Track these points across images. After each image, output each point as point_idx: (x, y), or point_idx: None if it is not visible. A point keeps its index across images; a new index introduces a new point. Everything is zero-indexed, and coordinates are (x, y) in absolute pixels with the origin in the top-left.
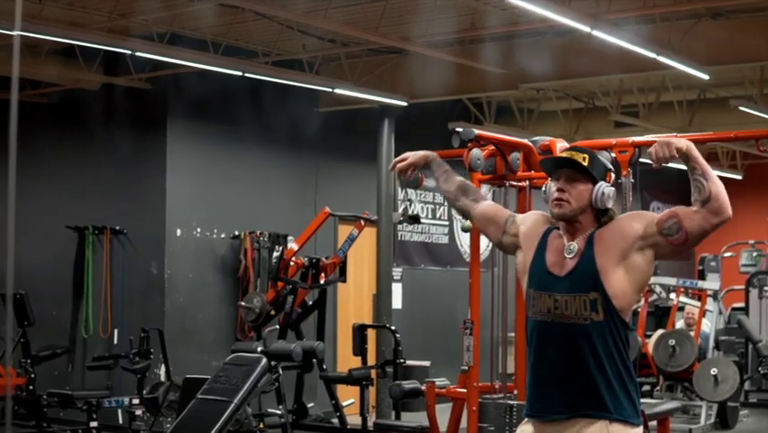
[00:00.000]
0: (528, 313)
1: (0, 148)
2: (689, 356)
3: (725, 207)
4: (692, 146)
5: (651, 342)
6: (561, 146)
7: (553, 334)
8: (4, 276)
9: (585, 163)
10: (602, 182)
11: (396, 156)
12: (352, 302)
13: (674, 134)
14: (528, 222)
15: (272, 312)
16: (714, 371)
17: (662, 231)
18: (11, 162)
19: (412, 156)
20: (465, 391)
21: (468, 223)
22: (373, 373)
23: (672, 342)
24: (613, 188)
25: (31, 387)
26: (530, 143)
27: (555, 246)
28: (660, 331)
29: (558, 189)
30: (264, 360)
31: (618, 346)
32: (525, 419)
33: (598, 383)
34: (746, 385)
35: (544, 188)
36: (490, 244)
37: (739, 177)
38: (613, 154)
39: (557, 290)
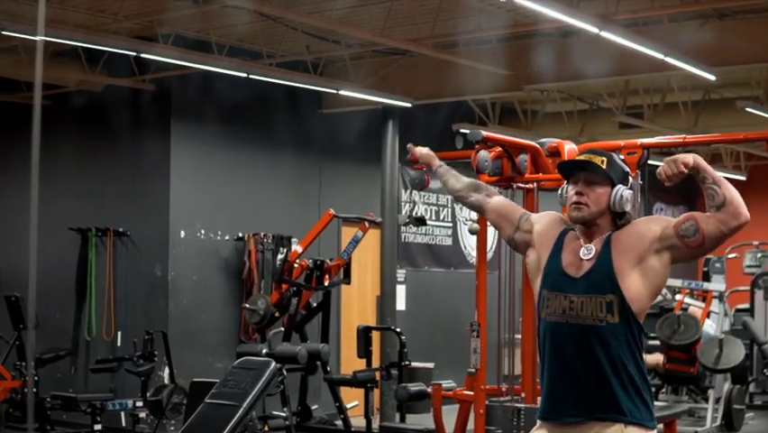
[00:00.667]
0: (541, 314)
1: (3, 150)
2: (693, 333)
3: (741, 210)
4: (699, 159)
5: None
6: (569, 148)
7: (568, 335)
8: (8, 277)
9: (604, 166)
10: (620, 185)
11: (400, 159)
12: (356, 304)
13: (682, 136)
14: (543, 221)
15: (276, 314)
16: (721, 336)
17: (678, 233)
18: (33, 169)
19: (426, 153)
20: (472, 393)
21: (475, 225)
22: (377, 375)
23: (677, 318)
24: (631, 192)
25: (34, 390)
26: (537, 145)
27: (572, 248)
28: None
29: (576, 193)
30: (273, 364)
31: (633, 349)
32: (539, 423)
33: (613, 386)
34: (751, 387)
35: (560, 192)
36: (494, 246)
37: (743, 178)
38: (622, 156)
39: (573, 291)
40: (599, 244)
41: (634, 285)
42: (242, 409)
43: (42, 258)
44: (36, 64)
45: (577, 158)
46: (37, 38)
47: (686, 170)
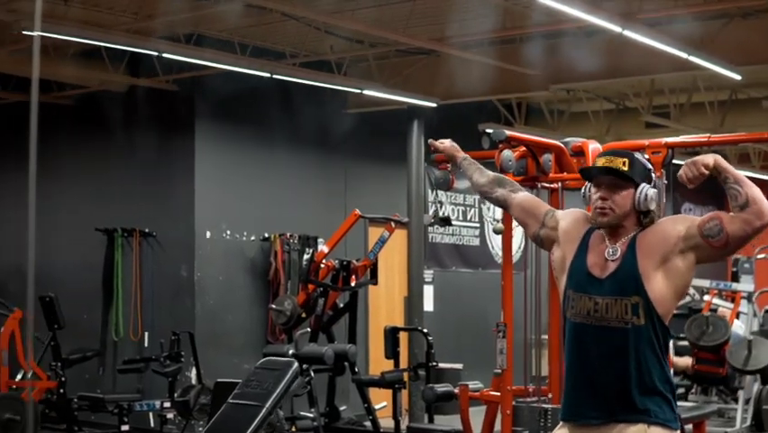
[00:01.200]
0: (566, 314)
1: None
2: (721, 334)
3: (765, 210)
4: (719, 158)
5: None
6: (593, 147)
7: (592, 336)
8: (41, 278)
9: (625, 168)
10: (644, 184)
11: (426, 159)
12: (384, 305)
13: (707, 135)
14: (569, 219)
15: (303, 315)
16: (750, 337)
17: (703, 233)
18: (31, 164)
19: (449, 145)
20: (499, 394)
21: (500, 225)
22: (405, 375)
23: (705, 318)
24: (655, 190)
25: (61, 390)
26: (562, 145)
27: (597, 248)
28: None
29: (600, 198)
30: (296, 364)
31: (658, 352)
32: (561, 423)
33: (638, 388)
34: None
35: (583, 191)
36: (522, 247)
37: None
38: (646, 156)
39: (597, 293)
40: (625, 245)
41: (658, 286)
42: (264, 409)
43: (69, 258)
44: (33, 59)
45: (598, 163)
46: (34, 33)
47: (706, 172)
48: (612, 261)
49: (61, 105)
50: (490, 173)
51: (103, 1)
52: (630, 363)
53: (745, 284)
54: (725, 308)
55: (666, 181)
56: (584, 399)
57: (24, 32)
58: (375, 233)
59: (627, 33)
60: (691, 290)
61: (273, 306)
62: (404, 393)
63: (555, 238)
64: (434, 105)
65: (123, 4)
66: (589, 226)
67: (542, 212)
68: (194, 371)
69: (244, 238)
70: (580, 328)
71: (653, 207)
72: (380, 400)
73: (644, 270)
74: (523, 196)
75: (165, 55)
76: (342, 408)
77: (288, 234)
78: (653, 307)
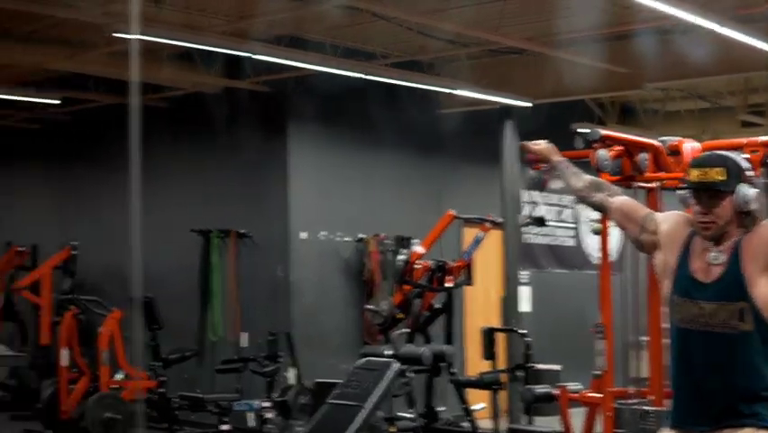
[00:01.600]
0: (672, 319)
1: (126, 152)
2: None
3: None
4: None
5: None
6: (690, 147)
7: (698, 342)
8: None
9: (721, 178)
10: (741, 186)
11: (520, 159)
12: (480, 305)
13: None
14: (670, 221)
15: (399, 315)
16: None
17: None
18: (133, 167)
19: (545, 147)
20: (599, 395)
21: (598, 225)
22: (503, 377)
23: None
24: (754, 190)
25: (162, 390)
26: (658, 144)
27: (700, 252)
28: None
29: (701, 213)
30: (395, 364)
31: (764, 357)
32: (667, 428)
33: (744, 395)
34: None
35: (680, 194)
36: (619, 247)
37: None
38: (745, 154)
39: (702, 298)
40: (729, 250)
41: (764, 291)
42: (364, 410)
43: (165, 260)
44: (131, 64)
45: (692, 174)
46: (131, 36)
47: None
48: (716, 265)
49: (155, 107)
50: (587, 177)
51: (196, 3)
52: (737, 369)
53: None
54: None
55: (766, 180)
56: (690, 406)
57: (117, 35)
58: (470, 233)
59: (723, 31)
60: None
61: (370, 307)
62: (502, 394)
63: (657, 242)
64: (528, 104)
65: (215, 6)
66: (691, 230)
67: (641, 216)
68: (291, 371)
69: (339, 239)
70: (686, 334)
71: (754, 207)
72: (478, 400)
73: (749, 275)
74: (621, 200)
75: (258, 57)
76: (440, 408)
77: (383, 235)
78: (760, 312)
